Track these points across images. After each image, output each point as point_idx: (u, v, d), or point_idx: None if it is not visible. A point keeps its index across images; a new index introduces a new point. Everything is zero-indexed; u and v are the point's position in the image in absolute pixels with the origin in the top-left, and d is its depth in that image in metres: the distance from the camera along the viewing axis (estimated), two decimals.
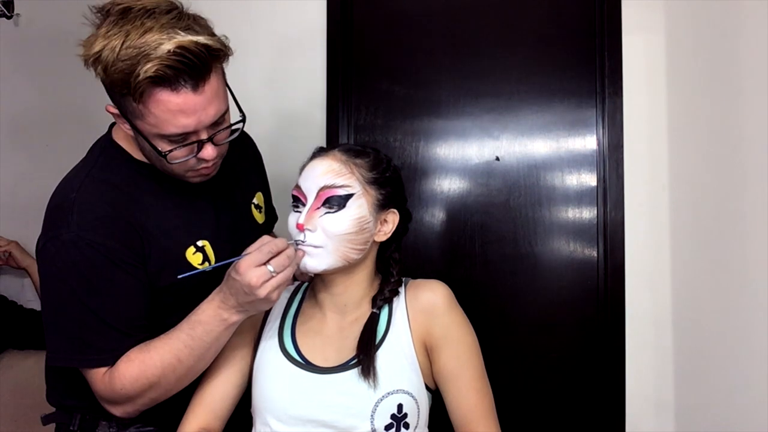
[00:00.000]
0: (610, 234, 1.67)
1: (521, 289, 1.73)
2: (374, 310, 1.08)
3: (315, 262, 1.01)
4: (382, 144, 1.78)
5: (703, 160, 1.58)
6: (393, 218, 1.09)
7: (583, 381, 1.71)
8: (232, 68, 1.97)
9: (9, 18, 1.90)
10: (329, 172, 1.02)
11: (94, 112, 1.91)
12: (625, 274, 1.66)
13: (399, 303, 1.09)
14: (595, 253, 1.70)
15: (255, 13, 1.83)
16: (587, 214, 1.71)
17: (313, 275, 1.12)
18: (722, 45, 1.50)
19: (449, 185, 1.76)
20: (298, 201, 1.04)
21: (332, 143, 1.75)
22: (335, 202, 1.00)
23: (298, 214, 1.03)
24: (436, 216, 1.77)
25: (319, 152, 1.08)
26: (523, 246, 1.73)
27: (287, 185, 1.10)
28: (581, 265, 1.71)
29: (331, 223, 1.00)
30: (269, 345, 1.10)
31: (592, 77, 1.71)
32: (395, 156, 1.77)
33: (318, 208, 1.01)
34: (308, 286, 1.17)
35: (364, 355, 1.02)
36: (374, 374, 1.01)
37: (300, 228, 1.00)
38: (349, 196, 1.01)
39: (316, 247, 1.01)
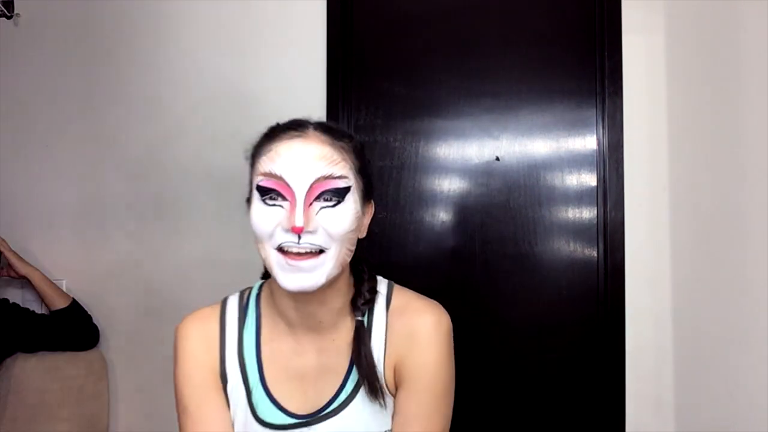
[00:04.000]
0: (610, 234, 1.67)
1: (521, 289, 1.73)
2: (358, 318, 0.90)
3: (316, 275, 0.82)
4: (382, 144, 1.78)
5: (703, 160, 1.58)
6: (370, 210, 0.93)
7: (583, 381, 1.71)
8: (232, 68, 1.98)
9: (9, 18, 1.90)
10: (323, 159, 0.82)
11: (94, 113, 1.92)
12: (625, 274, 1.66)
13: (378, 312, 0.92)
14: (595, 253, 1.70)
15: (255, 13, 1.83)
16: (587, 214, 1.71)
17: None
18: (722, 45, 1.50)
19: (449, 185, 1.76)
20: (273, 193, 0.82)
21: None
22: (333, 195, 0.82)
23: (278, 209, 0.81)
24: (435, 216, 1.77)
25: (295, 128, 0.86)
26: (523, 246, 1.73)
27: None
28: (581, 265, 1.71)
29: (333, 219, 0.82)
30: (240, 412, 0.89)
31: (592, 77, 1.71)
32: (395, 156, 1.77)
33: (311, 203, 0.81)
34: (256, 307, 0.94)
35: (365, 374, 0.86)
36: (382, 391, 0.87)
37: (298, 231, 0.79)
38: (347, 189, 0.84)
39: (316, 253, 0.81)
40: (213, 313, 0.94)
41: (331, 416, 0.87)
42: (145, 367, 1.85)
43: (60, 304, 1.78)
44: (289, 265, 0.80)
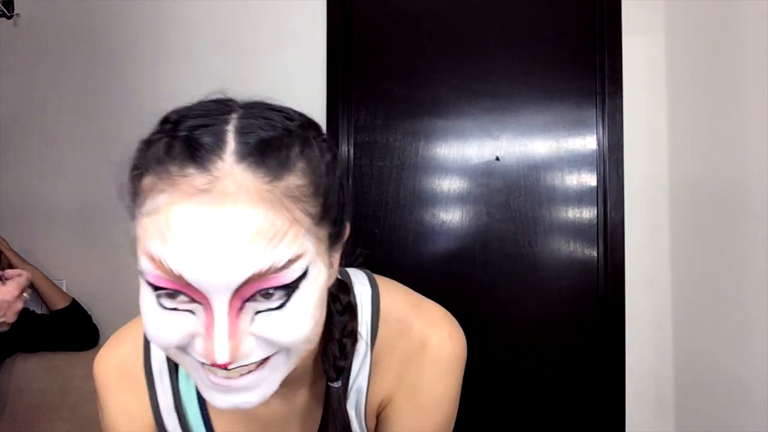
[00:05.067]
0: (610, 234, 1.67)
1: (521, 289, 1.73)
2: (333, 385, 0.60)
3: (261, 391, 0.51)
4: (382, 144, 1.78)
5: (703, 160, 1.58)
6: (345, 235, 0.58)
7: (583, 381, 1.71)
8: (232, 68, 1.98)
9: (9, 18, 1.90)
10: (256, 238, 0.46)
11: (94, 112, 1.92)
12: (625, 274, 1.66)
13: (359, 345, 0.62)
14: (595, 253, 1.70)
15: (255, 13, 1.83)
16: (587, 214, 1.71)
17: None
18: (722, 45, 1.50)
19: (449, 185, 1.76)
20: (173, 291, 0.50)
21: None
22: (278, 290, 0.48)
23: (186, 316, 0.49)
24: (436, 216, 1.77)
25: (200, 163, 0.47)
26: (523, 246, 1.73)
27: None
28: (581, 265, 1.71)
29: (281, 327, 0.49)
30: None
31: (592, 77, 1.71)
32: (395, 156, 1.77)
33: (242, 306, 0.48)
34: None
35: None
36: None
37: (223, 367, 0.47)
38: (303, 276, 0.49)
39: (258, 365, 0.50)
40: (134, 345, 0.66)
41: None
42: None
43: (60, 304, 1.78)
44: (217, 384, 0.50)
